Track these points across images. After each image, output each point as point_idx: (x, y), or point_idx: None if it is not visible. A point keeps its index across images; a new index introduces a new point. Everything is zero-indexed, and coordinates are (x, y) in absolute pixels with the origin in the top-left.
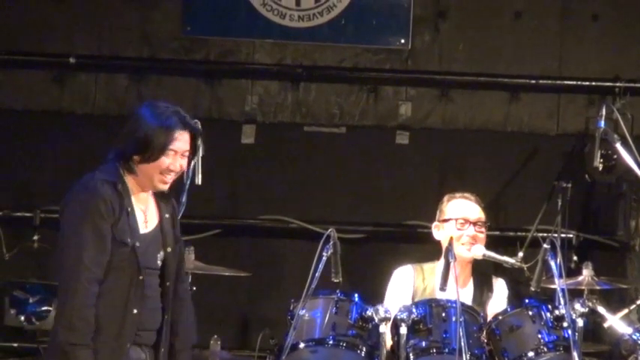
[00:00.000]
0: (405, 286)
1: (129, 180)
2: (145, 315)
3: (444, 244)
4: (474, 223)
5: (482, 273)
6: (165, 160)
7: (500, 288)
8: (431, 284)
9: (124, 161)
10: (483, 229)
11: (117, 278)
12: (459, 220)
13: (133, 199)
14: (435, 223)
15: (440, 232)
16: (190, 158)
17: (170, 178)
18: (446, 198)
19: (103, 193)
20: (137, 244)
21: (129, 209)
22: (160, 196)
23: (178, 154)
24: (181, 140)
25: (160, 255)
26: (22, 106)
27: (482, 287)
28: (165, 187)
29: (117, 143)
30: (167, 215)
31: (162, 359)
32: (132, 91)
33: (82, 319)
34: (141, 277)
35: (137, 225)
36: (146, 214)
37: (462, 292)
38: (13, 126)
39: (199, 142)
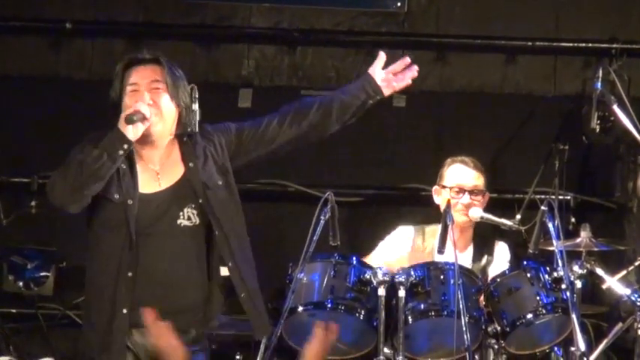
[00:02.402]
0: (403, 243)
1: (135, 142)
2: (151, 292)
3: (443, 208)
4: (470, 192)
5: (483, 237)
6: (128, 100)
7: (501, 251)
8: (430, 245)
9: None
10: (479, 197)
11: (108, 237)
12: (454, 189)
13: (140, 159)
14: (435, 188)
15: (439, 197)
16: (175, 92)
17: (141, 96)
18: (447, 162)
19: (95, 141)
20: (129, 201)
21: (123, 166)
22: (189, 143)
23: (142, 87)
24: (140, 74)
25: (186, 211)
26: (18, 73)
27: (483, 251)
28: (140, 104)
29: None
30: (191, 164)
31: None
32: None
33: (75, 158)
34: (134, 238)
35: (135, 184)
36: (159, 174)
37: (462, 255)
38: (10, 92)
39: (194, 95)
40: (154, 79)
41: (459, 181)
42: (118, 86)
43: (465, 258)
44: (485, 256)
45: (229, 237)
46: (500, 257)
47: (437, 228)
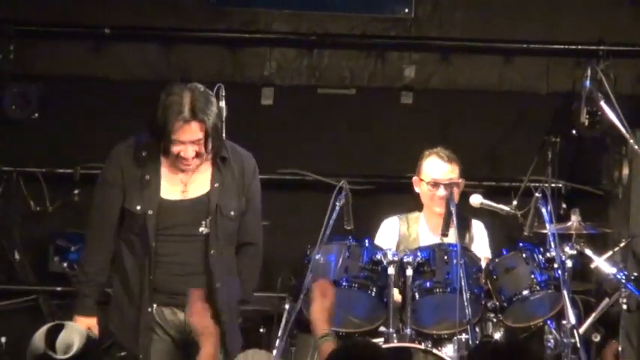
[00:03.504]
0: (391, 235)
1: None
2: (169, 280)
3: (423, 198)
4: (445, 185)
5: (461, 217)
6: (174, 149)
7: (478, 229)
8: (415, 232)
9: (157, 136)
10: (455, 188)
11: (136, 244)
12: (430, 183)
13: (168, 166)
14: (414, 179)
15: (418, 188)
16: (209, 141)
17: (189, 162)
18: (425, 154)
19: (119, 159)
20: (149, 212)
21: (147, 177)
22: (221, 165)
23: (187, 144)
24: (185, 131)
25: (204, 223)
26: (62, 74)
27: (464, 231)
28: (188, 169)
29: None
30: (217, 185)
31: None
32: (161, 59)
33: (85, 275)
34: (153, 244)
35: (157, 192)
36: (188, 184)
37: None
38: (55, 92)
39: (221, 94)
40: (197, 138)
41: (435, 176)
42: (166, 128)
43: (450, 239)
44: (467, 235)
45: (222, 258)
46: (479, 234)
47: (419, 215)
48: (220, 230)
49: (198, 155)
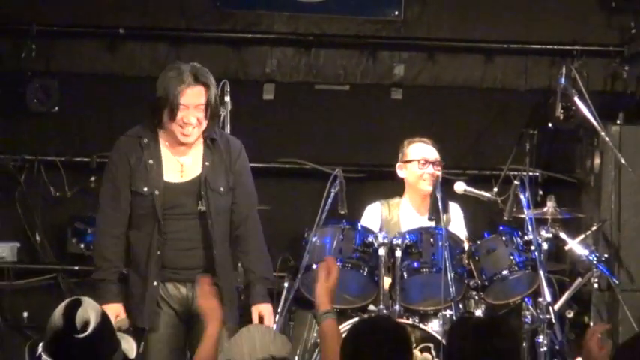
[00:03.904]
0: (374, 219)
1: (163, 134)
2: (173, 255)
3: (408, 182)
4: (433, 163)
5: (437, 201)
6: (179, 114)
7: (455, 211)
8: (396, 216)
9: (157, 122)
10: (439, 168)
11: (143, 223)
12: (421, 161)
13: (167, 151)
14: (399, 164)
15: (403, 172)
16: (209, 110)
17: (190, 130)
18: (406, 142)
19: (123, 147)
20: (156, 192)
21: (150, 161)
22: (208, 146)
23: (191, 108)
24: (191, 95)
25: (200, 202)
26: (80, 70)
27: (443, 213)
28: (188, 139)
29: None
30: (207, 163)
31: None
32: (171, 57)
33: (100, 258)
34: (159, 223)
35: (161, 175)
36: (185, 165)
37: (422, 219)
38: (73, 87)
39: (226, 89)
40: (200, 103)
41: (424, 155)
42: (171, 94)
43: (424, 221)
44: (444, 216)
45: (215, 229)
46: (456, 216)
47: (400, 201)
48: (212, 205)
49: (198, 124)
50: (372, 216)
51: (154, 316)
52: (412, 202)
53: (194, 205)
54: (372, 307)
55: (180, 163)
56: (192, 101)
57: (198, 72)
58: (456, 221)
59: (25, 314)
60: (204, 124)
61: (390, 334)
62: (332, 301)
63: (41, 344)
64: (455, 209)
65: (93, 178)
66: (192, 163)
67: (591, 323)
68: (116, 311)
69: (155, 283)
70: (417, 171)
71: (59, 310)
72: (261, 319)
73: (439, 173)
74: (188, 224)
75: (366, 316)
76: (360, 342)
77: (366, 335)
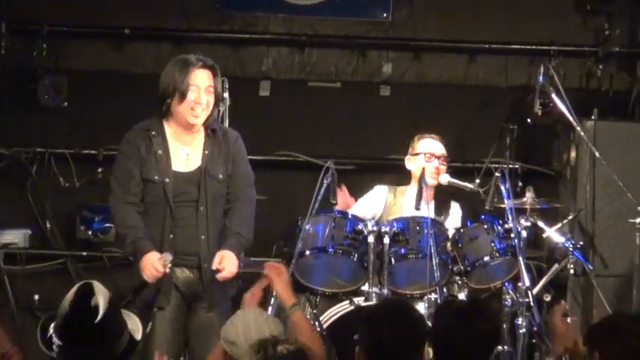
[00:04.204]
0: (378, 199)
1: (170, 126)
2: (182, 241)
3: (414, 173)
4: (438, 157)
5: (442, 198)
6: (191, 95)
7: (454, 209)
8: (400, 202)
9: (165, 111)
10: (445, 163)
11: (154, 209)
12: (427, 155)
13: (173, 142)
14: (407, 157)
15: (411, 164)
16: (216, 96)
17: (200, 111)
18: (417, 137)
19: (133, 140)
20: (166, 180)
21: (159, 152)
22: (208, 136)
23: (202, 90)
24: (201, 76)
25: (201, 189)
26: (88, 68)
27: (442, 208)
28: (197, 121)
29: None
30: (207, 152)
31: (204, 275)
32: (174, 56)
33: (125, 227)
34: (171, 209)
35: (169, 164)
36: (190, 155)
37: (426, 210)
38: (81, 84)
39: (225, 86)
40: (210, 84)
41: (431, 149)
42: (181, 77)
43: (429, 212)
44: (443, 212)
45: (209, 217)
46: (454, 214)
47: (406, 189)
48: (209, 191)
49: (207, 106)
50: (378, 196)
51: (167, 297)
52: (416, 190)
53: (193, 192)
54: (365, 287)
55: (186, 152)
56: (202, 83)
57: (205, 59)
58: (454, 218)
59: (36, 297)
60: (211, 108)
61: (405, 316)
62: (294, 296)
63: (52, 326)
64: (455, 207)
65: (100, 170)
66: (195, 153)
67: (568, 307)
68: (156, 256)
69: (170, 266)
70: (422, 164)
71: (70, 296)
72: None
73: (444, 167)
74: (193, 212)
75: (359, 301)
76: (376, 327)
77: (382, 320)
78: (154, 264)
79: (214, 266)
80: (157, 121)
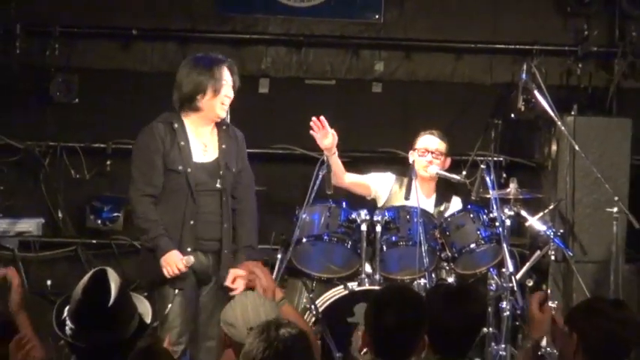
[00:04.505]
0: (384, 182)
1: (189, 119)
2: (202, 227)
3: (413, 166)
4: (432, 152)
5: (444, 192)
6: (223, 90)
7: (455, 203)
8: (402, 192)
9: (187, 106)
10: (439, 157)
11: (175, 198)
12: (421, 150)
13: (193, 134)
14: (411, 151)
15: (411, 157)
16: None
17: (227, 104)
18: (421, 133)
19: (157, 131)
20: (189, 170)
21: (181, 143)
22: (223, 132)
23: (229, 85)
24: (228, 73)
25: (218, 179)
26: (97, 66)
27: (442, 200)
28: (223, 114)
29: (174, 93)
30: (224, 146)
31: (224, 260)
32: (178, 55)
33: (148, 221)
34: (193, 197)
35: (191, 155)
36: (207, 147)
37: (427, 201)
38: (91, 81)
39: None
40: (234, 82)
41: (425, 145)
42: (218, 74)
43: (430, 203)
44: (444, 204)
45: (229, 204)
46: (454, 207)
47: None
48: (227, 183)
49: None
50: (385, 181)
51: (186, 279)
52: (421, 184)
53: (213, 183)
54: (368, 268)
55: (204, 144)
56: (229, 79)
57: (227, 58)
58: (454, 210)
59: (49, 282)
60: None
61: (410, 301)
62: (279, 291)
63: (66, 310)
64: (456, 201)
65: (109, 162)
66: (212, 146)
67: (549, 291)
68: (177, 256)
69: (189, 249)
70: (417, 158)
71: (84, 281)
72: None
73: (438, 162)
74: (209, 200)
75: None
76: (383, 312)
77: (389, 305)
78: (176, 264)
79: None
80: (175, 115)
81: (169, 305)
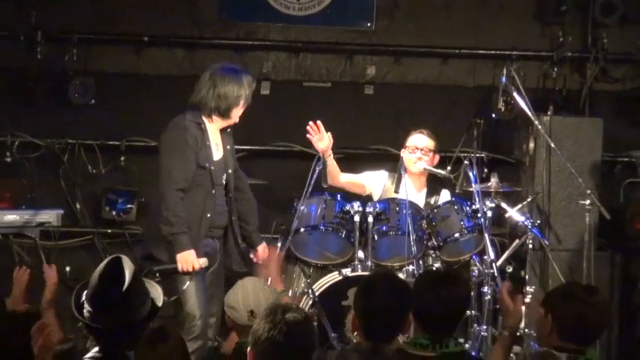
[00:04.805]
0: (377, 180)
1: (208, 122)
2: (215, 217)
3: (406, 162)
4: (421, 149)
5: (434, 185)
6: (246, 104)
7: (444, 195)
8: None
9: (210, 111)
10: (428, 154)
11: (198, 192)
12: (411, 147)
13: (210, 135)
14: (402, 149)
15: (403, 154)
16: None
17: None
18: (411, 132)
19: (190, 130)
20: (212, 167)
21: (207, 143)
22: (225, 134)
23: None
24: (246, 90)
25: (224, 175)
26: (112, 70)
27: (433, 194)
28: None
29: (201, 98)
30: (228, 147)
31: (229, 244)
32: (186, 60)
33: (176, 216)
34: (213, 192)
35: (212, 154)
36: (218, 146)
37: (419, 195)
38: (106, 84)
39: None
40: None
41: (415, 143)
42: (250, 90)
43: (421, 197)
44: (434, 197)
45: (232, 199)
46: (443, 199)
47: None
48: (230, 178)
49: None
50: (378, 178)
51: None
52: (409, 179)
53: (221, 178)
54: (360, 255)
55: (216, 143)
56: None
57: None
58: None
59: (68, 269)
60: None
61: (395, 286)
62: (282, 282)
63: (84, 294)
64: (445, 193)
65: (122, 158)
66: (220, 146)
67: (527, 277)
68: (194, 256)
69: (205, 239)
70: (407, 155)
71: (101, 268)
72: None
73: (427, 159)
74: (219, 194)
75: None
76: (371, 296)
77: (376, 289)
78: (193, 263)
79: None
80: (198, 115)
81: (187, 283)
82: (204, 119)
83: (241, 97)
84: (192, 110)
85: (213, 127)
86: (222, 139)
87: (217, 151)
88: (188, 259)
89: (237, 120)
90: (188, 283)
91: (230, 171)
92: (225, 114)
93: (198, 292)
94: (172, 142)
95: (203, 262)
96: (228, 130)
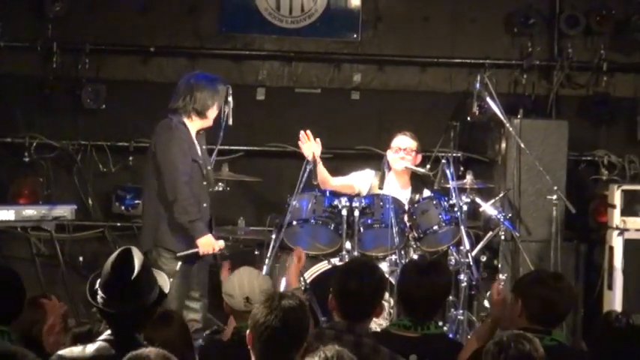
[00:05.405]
0: (364, 179)
1: (191, 123)
2: (207, 207)
3: (390, 162)
4: (404, 149)
5: (417, 183)
6: (226, 108)
7: (426, 193)
8: (382, 185)
9: (190, 113)
10: (410, 154)
11: (194, 184)
12: (395, 148)
13: (193, 135)
14: (388, 150)
15: (388, 154)
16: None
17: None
18: (396, 133)
19: (180, 129)
20: (201, 161)
21: (193, 140)
22: (199, 136)
23: (228, 105)
24: (228, 93)
25: (204, 172)
26: (121, 78)
27: (416, 192)
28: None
29: (182, 102)
30: (204, 147)
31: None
32: (189, 68)
33: (191, 205)
34: (204, 183)
35: (197, 150)
36: (197, 146)
37: (404, 192)
38: (115, 91)
39: (229, 92)
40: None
41: (398, 144)
42: (224, 96)
43: (405, 194)
44: (417, 195)
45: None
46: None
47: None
48: (210, 175)
49: None
50: (365, 177)
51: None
52: (394, 177)
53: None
54: (348, 246)
55: (195, 143)
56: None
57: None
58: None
59: (81, 259)
60: None
61: (369, 271)
62: (298, 281)
63: (98, 282)
64: (426, 192)
65: (131, 158)
66: (198, 146)
67: (499, 265)
68: (213, 239)
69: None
70: (391, 154)
71: (112, 258)
72: None
73: (409, 158)
74: (205, 187)
75: (336, 260)
76: (347, 279)
77: (352, 274)
78: (214, 246)
79: None
80: (182, 118)
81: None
82: (185, 120)
83: (216, 98)
84: (173, 113)
85: (193, 127)
86: (198, 140)
87: (199, 148)
88: (209, 242)
89: (211, 123)
90: (171, 279)
91: (209, 167)
92: (202, 114)
93: (179, 287)
94: (172, 141)
95: (222, 243)
96: (201, 132)
